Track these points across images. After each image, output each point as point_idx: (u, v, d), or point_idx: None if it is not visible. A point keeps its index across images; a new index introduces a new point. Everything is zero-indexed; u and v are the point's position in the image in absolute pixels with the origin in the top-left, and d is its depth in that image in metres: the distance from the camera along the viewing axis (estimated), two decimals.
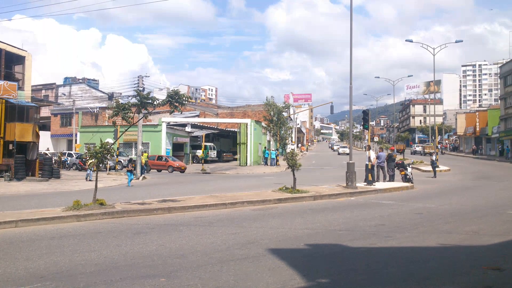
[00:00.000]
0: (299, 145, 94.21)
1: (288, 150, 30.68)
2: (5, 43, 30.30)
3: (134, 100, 18.50)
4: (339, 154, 67.86)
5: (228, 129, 61.05)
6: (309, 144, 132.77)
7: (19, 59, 31.60)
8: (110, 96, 58.28)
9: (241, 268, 7.43)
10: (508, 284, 6.72)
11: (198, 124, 54.93)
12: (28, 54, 31.72)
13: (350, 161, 20.98)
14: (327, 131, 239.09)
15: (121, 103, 17.24)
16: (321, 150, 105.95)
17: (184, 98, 16.54)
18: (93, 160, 14.59)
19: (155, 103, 17.55)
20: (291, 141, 62.30)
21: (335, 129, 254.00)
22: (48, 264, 7.66)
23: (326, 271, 7.44)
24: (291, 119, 72.50)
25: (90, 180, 26.40)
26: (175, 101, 16.28)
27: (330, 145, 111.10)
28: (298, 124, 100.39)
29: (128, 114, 16.77)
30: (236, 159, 53.60)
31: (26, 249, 8.84)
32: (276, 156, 46.77)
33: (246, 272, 7.23)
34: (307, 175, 29.59)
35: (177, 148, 51.81)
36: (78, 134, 52.94)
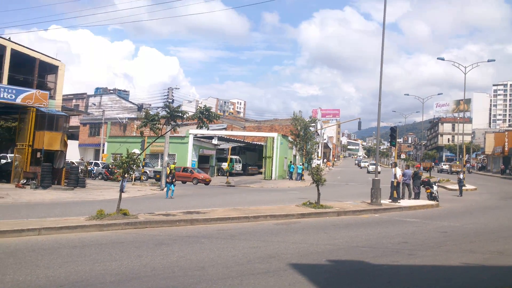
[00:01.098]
0: (325, 160, 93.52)
1: (313, 165, 30.42)
2: (39, 53, 31.10)
3: (163, 112, 18.66)
4: (368, 172, 64.72)
5: (255, 142, 61.07)
6: (335, 159, 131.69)
7: (52, 69, 32.33)
8: (140, 107, 59.13)
9: (261, 283, 7.32)
10: None
11: (225, 136, 55.12)
12: (62, 64, 32.46)
13: (376, 178, 20.64)
14: (353, 147, 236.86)
15: (151, 114, 17.42)
16: (347, 166, 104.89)
17: (214, 115, 16.64)
18: (120, 170, 14.68)
19: (184, 116, 17.70)
20: (317, 156, 61.86)
21: (362, 145, 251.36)
22: (68, 272, 7.68)
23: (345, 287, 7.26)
24: (318, 134, 72.11)
25: (124, 192, 26.00)
26: (204, 117, 16.39)
27: (356, 161, 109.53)
28: (325, 139, 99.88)
29: (157, 125, 16.94)
30: (261, 173, 53.46)
31: (47, 257, 8.90)
32: (301, 171, 46.48)
33: (266, 286, 7.12)
34: (332, 191, 29.25)
35: (203, 160, 52.03)
36: (106, 144, 53.78)
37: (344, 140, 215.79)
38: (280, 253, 9.76)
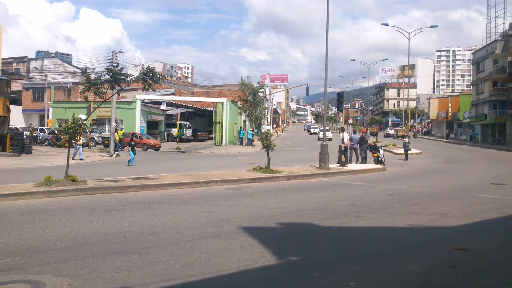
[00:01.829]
0: (274, 125, 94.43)
1: (263, 131, 30.72)
2: None
3: (107, 76, 18.13)
4: (319, 139, 60.16)
5: (204, 108, 60.65)
6: (285, 125, 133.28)
7: None
8: (84, 71, 57.03)
9: (213, 246, 7.51)
10: (472, 263, 6.97)
11: (173, 102, 54.37)
12: None
13: (324, 143, 21.19)
14: (302, 113, 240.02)
15: (92, 78, 16.93)
16: (296, 131, 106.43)
17: (158, 76, 16.31)
18: (67, 136, 14.29)
19: (128, 79, 17.31)
20: (267, 122, 62.33)
21: (311, 110, 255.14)
22: (18, 239, 7.58)
23: (296, 249, 7.59)
24: (267, 100, 72.43)
25: (81, 159, 25.22)
26: (149, 78, 16.03)
27: (306, 127, 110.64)
28: (274, 105, 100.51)
29: (100, 89, 16.50)
30: (211, 139, 53.41)
31: None
32: (251, 136, 46.83)
33: (218, 249, 7.31)
34: (282, 156, 29.79)
35: (152, 126, 51.27)
36: (51, 109, 51.75)
37: (293, 105, 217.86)
38: (231, 217, 10.00)
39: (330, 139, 46.62)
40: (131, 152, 22.52)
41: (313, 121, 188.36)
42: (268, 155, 18.78)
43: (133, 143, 23.08)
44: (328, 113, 61.09)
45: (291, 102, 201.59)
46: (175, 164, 24.40)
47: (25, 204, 11.06)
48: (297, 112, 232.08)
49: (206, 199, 12.57)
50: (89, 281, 5.67)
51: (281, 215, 10.41)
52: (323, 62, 22.53)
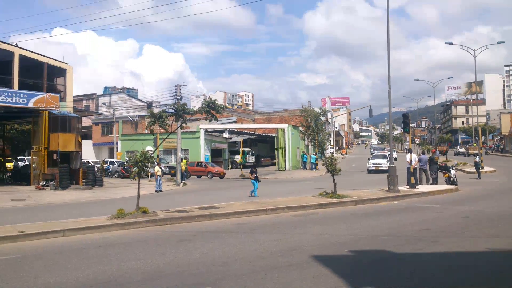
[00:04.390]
0: (337, 148, 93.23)
1: (327, 155, 30.37)
2: (47, 57, 31.28)
3: (171, 110, 18.83)
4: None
5: (266, 134, 61.12)
6: (349, 147, 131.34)
7: (61, 72, 32.53)
8: (149, 105, 59.36)
9: (285, 276, 7.39)
10: None
11: (236, 130, 55.24)
12: (69, 67, 32.68)
13: (392, 165, 20.59)
14: (366, 134, 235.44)
15: (156, 113, 17.60)
16: (361, 153, 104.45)
17: (220, 106, 16.72)
18: (136, 168, 14.84)
19: (191, 112, 17.84)
20: (330, 145, 61.65)
21: (375, 131, 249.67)
22: (96, 273, 7.84)
23: (371, 278, 7.32)
24: (329, 123, 71.92)
25: (160, 191, 25.94)
26: (210, 109, 16.47)
27: (372, 149, 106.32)
28: (336, 127, 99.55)
29: (165, 122, 17.11)
30: (274, 164, 53.54)
31: (74, 258, 9.07)
32: (315, 160, 46.44)
33: (290, 280, 7.18)
34: (348, 179, 29.21)
35: (216, 154, 52.26)
36: (119, 142, 54.20)
37: (356, 127, 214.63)
38: (301, 245, 9.83)
39: (395, 159, 42.11)
40: (253, 181, 20.68)
41: (378, 142, 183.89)
42: (334, 179, 18.46)
43: (254, 170, 21.04)
44: (393, 133, 59.35)
45: (353, 124, 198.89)
46: (240, 191, 24.55)
47: (100, 237, 11.49)
48: (361, 134, 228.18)
49: (274, 227, 12.48)
50: None
51: (353, 243, 10.11)
52: (386, 82, 22.12)
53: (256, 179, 20.68)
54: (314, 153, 49.07)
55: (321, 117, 50.66)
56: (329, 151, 50.85)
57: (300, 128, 52.71)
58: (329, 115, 72.08)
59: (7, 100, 27.32)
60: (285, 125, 50.88)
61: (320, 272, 7.57)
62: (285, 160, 48.31)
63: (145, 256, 9.11)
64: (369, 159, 42.47)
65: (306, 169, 47.14)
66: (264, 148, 67.42)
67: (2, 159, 38.45)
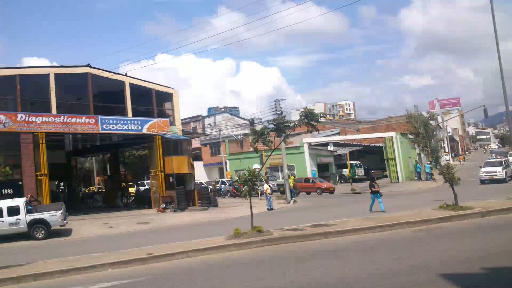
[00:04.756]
0: (452, 154, 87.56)
1: (443, 163, 28.57)
2: (154, 83, 33.36)
3: (271, 126, 19.07)
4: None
5: (373, 144, 59.12)
6: (466, 153, 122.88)
7: (167, 96, 34.42)
8: (251, 122, 60.77)
9: None
10: None
11: (340, 142, 54.23)
12: (175, 91, 34.52)
13: None
14: (484, 137, 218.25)
15: (258, 130, 17.91)
16: (481, 159, 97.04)
17: (318, 115, 16.56)
18: (246, 188, 15.20)
19: (291, 125, 17.88)
20: (444, 152, 58.02)
21: (493, 133, 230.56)
22: None
23: None
24: (441, 128, 68.00)
25: (271, 209, 26.57)
26: (310, 119, 16.37)
27: (492, 153, 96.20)
28: (449, 132, 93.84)
29: (267, 139, 17.30)
30: (385, 176, 51.47)
31: (200, 278, 9.50)
32: (430, 170, 43.85)
33: None
34: (469, 190, 27.08)
35: (322, 168, 51.69)
36: (227, 161, 56.00)
37: (471, 130, 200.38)
38: (426, 263, 9.28)
39: None
40: (372, 195, 20.12)
41: (498, 145, 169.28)
42: (453, 190, 17.28)
43: (374, 183, 20.77)
44: None
45: (468, 127, 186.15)
46: (353, 207, 24.00)
47: (220, 257, 11.91)
48: (478, 137, 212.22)
49: (394, 244, 11.97)
50: None
51: (484, 259, 9.32)
52: (499, 77, 20.36)
53: (377, 192, 20.03)
54: (428, 162, 46.44)
55: (431, 122, 47.92)
56: (445, 158, 47.72)
57: (409, 136, 50.39)
58: (439, 119, 68.21)
59: (124, 128, 29.72)
60: (392, 134, 48.88)
61: None
62: (397, 172, 46.23)
63: (266, 276, 9.21)
64: (480, 167, 35.66)
65: (421, 180, 44.65)
66: (373, 160, 65.18)
67: (125, 184, 41.66)
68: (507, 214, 15.91)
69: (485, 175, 32.58)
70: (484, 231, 12.94)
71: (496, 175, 31.71)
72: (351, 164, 51.18)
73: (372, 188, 20.35)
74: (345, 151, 54.23)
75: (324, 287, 8.00)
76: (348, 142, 55.37)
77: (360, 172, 53.19)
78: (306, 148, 47.59)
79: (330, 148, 51.83)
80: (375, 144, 58.35)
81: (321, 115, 17.04)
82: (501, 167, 32.50)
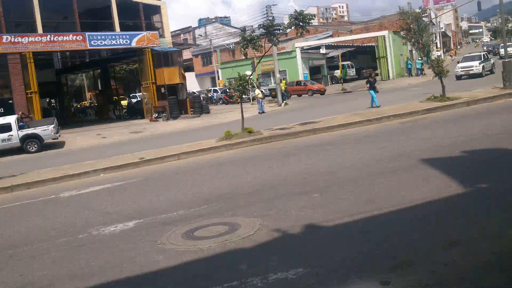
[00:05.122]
0: (444, 50, 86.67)
1: (433, 58, 28.30)
2: None
3: (261, 30, 18.66)
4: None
5: (365, 44, 58.23)
6: (457, 47, 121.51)
7: (155, 9, 33.59)
8: (243, 30, 59.38)
9: (392, 180, 7.34)
10: None
11: (332, 44, 53.39)
12: (163, 3, 33.57)
13: (506, 59, 18.77)
14: (476, 31, 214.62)
15: (247, 35, 17.59)
16: (472, 52, 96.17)
17: (308, 17, 16.17)
18: (238, 92, 15.27)
19: (281, 28, 17.51)
20: (436, 48, 57.42)
21: (486, 27, 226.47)
22: (210, 189, 8.44)
23: (484, 177, 7.01)
24: (433, 24, 66.60)
25: (263, 112, 26.79)
26: (300, 21, 15.99)
27: (484, 46, 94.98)
28: (441, 28, 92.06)
29: (257, 43, 17.03)
30: (377, 75, 51.36)
31: (190, 177, 9.83)
32: (421, 65, 43.80)
33: (398, 183, 7.13)
34: (458, 83, 27.29)
35: (314, 71, 51.43)
36: (219, 70, 55.58)
37: (464, 25, 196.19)
38: (409, 150, 9.56)
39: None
40: (371, 92, 19.87)
41: (490, 38, 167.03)
42: (442, 82, 17.39)
43: (372, 80, 20.52)
44: (508, 26, 53.41)
45: (461, 21, 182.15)
46: (343, 105, 24.21)
47: (211, 157, 12.22)
48: (470, 32, 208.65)
49: (379, 135, 12.24)
50: (277, 220, 6.05)
51: (464, 144, 9.57)
52: None
53: (374, 89, 19.88)
54: (419, 58, 46.15)
55: (423, 18, 46.94)
56: (435, 54, 47.37)
57: (401, 33, 49.55)
58: (432, 15, 66.64)
59: (112, 43, 29.37)
60: (384, 32, 48.01)
61: (430, 174, 7.38)
62: (388, 69, 46.17)
63: (254, 171, 9.55)
64: (458, 62, 33.47)
65: (411, 76, 44.74)
66: (365, 60, 64.60)
67: (117, 98, 41.67)
68: (491, 101, 16.14)
69: (461, 70, 31.04)
70: (467, 118, 13.18)
71: (473, 70, 30.14)
72: (342, 65, 50.78)
73: (367, 85, 20.24)
74: (337, 53, 53.55)
75: (308, 177, 8.29)
76: (341, 44, 54.51)
77: (352, 72, 53.07)
78: (298, 52, 46.95)
79: (323, 50, 51.10)
80: (367, 44, 57.51)
81: (311, 16, 16.57)
82: (479, 61, 31.14)
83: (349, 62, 55.25)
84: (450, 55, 74.68)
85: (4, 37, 25.44)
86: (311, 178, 8.17)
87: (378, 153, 9.72)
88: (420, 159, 8.49)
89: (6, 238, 7.15)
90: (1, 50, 25.22)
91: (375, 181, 7.40)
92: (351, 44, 56.86)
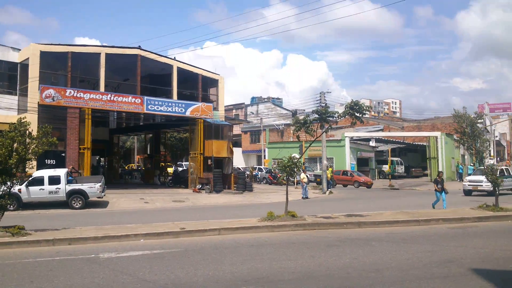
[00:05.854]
0: (498, 159, 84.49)
1: (486, 164, 27.39)
2: (200, 69, 34.01)
3: (315, 116, 19.00)
4: None
5: (416, 143, 57.97)
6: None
7: (213, 82, 35.13)
8: (294, 113, 60.70)
9: (440, 287, 6.94)
10: None
11: (383, 138, 53.46)
12: (221, 77, 35.12)
13: None
14: None
15: (301, 119, 17.91)
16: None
17: (364, 108, 16.32)
18: (284, 174, 15.29)
19: (335, 115, 17.73)
20: (489, 156, 56.23)
21: None
22: (250, 269, 8.24)
23: None
24: (488, 131, 65.65)
25: (306, 198, 26.51)
26: (355, 111, 16.15)
27: None
28: (496, 136, 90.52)
29: (310, 128, 17.27)
30: (426, 175, 50.47)
31: (229, 255, 9.66)
32: (473, 171, 42.67)
33: None
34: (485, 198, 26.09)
35: (362, 163, 51.14)
36: (266, 150, 56.26)
37: None
38: (458, 257, 9.13)
39: None
40: (440, 194, 19.12)
41: None
42: (495, 190, 16.83)
43: (439, 179, 19.79)
44: None
45: None
46: (389, 201, 23.71)
47: (251, 237, 12.04)
48: None
49: (427, 238, 11.78)
50: None
51: None
52: None
53: (443, 190, 19.09)
54: (471, 164, 45.10)
55: (478, 124, 46.50)
56: (489, 161, 46.22)
57: (455, 136, 49.06)
58: (487, 122, 65.91)
59: (168, 110, 30.59)
60: (437, 133, 47.78)
61: (480, 285, 6.99)
62: (438, 171, 45.24)
63: (295, 257, 9.30)
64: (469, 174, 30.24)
65: (462, 181, 43.57)
66: (414, 158, 63.92)
67: (164, 164, 42.63)
68: None
69: (468, 185, 28.44)
70: None
71: (482, 185, 26.76)
72: (391, 161, 50.28)
73: (438, 186, 19.28)
74: (387, 147, 53.30)
75: (352, 272, 8.00)
76: (391, 139, 54.50)
77: (400, 169, 52.30)
78: (347, 141, 47.13)
79: (372, 143, 51.09)
80: (419, 143, 57.19)
81: (367, 107, 16.75)
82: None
83: (398, 159, 54.68)
84: (505, 165, 72.58)
85: (68, 90, 26.65)
86: (355, 274, 7.85)
87: (425, 256, 9.32)
88: (471, 269, 8.08)
89: None
90: (63, 103, 26.33)
91: (421, 285, 7.07)
92: (401, 141, 56.70)
